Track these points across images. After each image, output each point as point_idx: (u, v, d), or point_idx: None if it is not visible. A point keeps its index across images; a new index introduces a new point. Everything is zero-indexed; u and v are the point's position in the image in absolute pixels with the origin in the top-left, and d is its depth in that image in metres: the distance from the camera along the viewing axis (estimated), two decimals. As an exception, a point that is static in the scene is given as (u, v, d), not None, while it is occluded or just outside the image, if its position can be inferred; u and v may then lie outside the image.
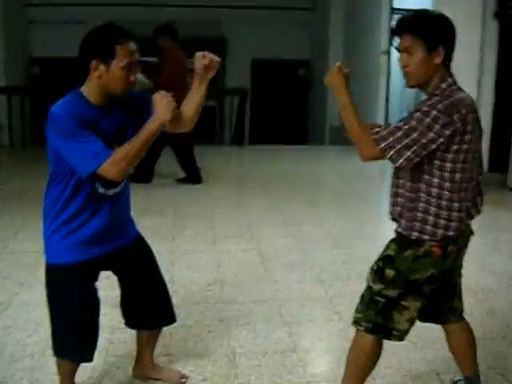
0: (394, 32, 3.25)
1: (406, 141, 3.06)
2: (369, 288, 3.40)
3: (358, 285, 5.56)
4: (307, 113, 19.49)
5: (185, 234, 7.17)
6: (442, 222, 3.17)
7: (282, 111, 18.62)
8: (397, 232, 3.35)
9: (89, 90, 3.28)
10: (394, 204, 3.35)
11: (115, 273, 3.72)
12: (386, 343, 4.47)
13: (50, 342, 4.37)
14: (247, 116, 15.43)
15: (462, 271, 5.85)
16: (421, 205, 3.20)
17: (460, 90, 3.23)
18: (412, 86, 3.27)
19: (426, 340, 4.56)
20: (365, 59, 14.93)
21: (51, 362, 4.17)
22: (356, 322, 3.44)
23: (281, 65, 18.40)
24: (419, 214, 3.21)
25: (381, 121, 14.16)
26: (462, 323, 3.69)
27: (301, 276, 5.87)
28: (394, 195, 3.35)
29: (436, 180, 3.15)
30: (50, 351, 4.25)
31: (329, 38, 16.65)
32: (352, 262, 6.31)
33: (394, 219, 3.39)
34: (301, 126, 18.94)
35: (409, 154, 3.07)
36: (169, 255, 6.25)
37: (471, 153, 3.16)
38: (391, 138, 3.10)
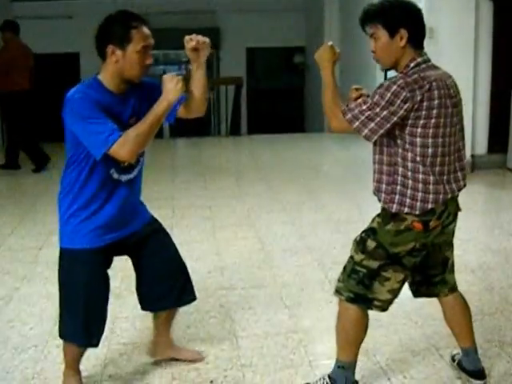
0: (360, 22, 3.60)
1: (369, 113, 3.28)
2: (351, 258, 3.56)
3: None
4: (304, 100, 19.58)
5: (183, 224, 7.30)
6: (419, 194, 3.33)
7: (278, 99, 18.68)
8: (381, 206, 3.53)
9: (105, 75, 3.42)
10: (375, 180, 3.57)
11: (132, 256, 3.85)
12: (385, 321, 4.64)
13: (53, 333, 4.57)
14: (243, 105, 15.50)
15: (461, 250, 6.04)
16: (398, 178, 3.39)
17: (433, 67, 3.44)
18: (386, 69, 3.55)
19: (425, 317, 4.72)
20: (361, 44, 15.00)
21: (55, 352, 4.34)
22: (337, 292, 3.59)
23: (276, 52, 18.48)
24: (397, 188, 3.39)
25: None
26: (455, 296, 3.82)
27: (300, 260, 6.01)
28: (374, 171, 3.56)
29: (409, 154, 3.32)
30: (54, 342, 4.44)
31: (324, 24, 16.70)
32: (351, 245, 6.44)
33: (375, 194, 3.58)
34: (298, 114, 19.01)
35: (372, 125, 3.28)
36: (168, 246, 6.37)
37: (443, 127, 3.31)
38: (357, 110, 3.34)
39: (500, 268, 5.70)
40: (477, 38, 9.48)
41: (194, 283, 5.42)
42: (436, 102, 3.28)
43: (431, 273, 3.69)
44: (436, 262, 3.67)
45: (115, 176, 3.52)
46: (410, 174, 3.34)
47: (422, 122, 3.26)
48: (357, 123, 3.33)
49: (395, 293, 3.53)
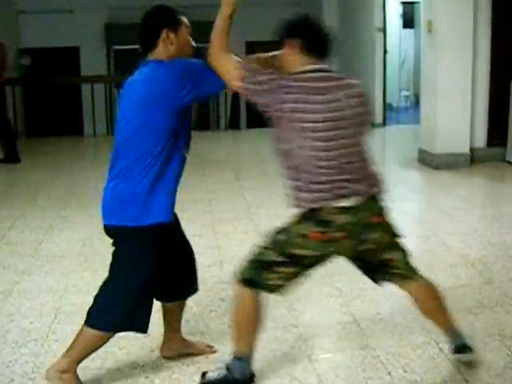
0: None
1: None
2: (259, 245, 3.65)
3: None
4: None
5: (182, 218, 7.19)
6: (304, 195, 3.42)
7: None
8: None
9: (161, 57, 3.64)
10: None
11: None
12: (385, 315, 4.64)
13: (52, 327, 4.56)
14: (243, 99, 15.45)
15: (461, 243, 6.03)
16: (291, 178, 3.49)
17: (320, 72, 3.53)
18: None
19: (425, 311, 4.71)
20: (360, 36, 14.99)
21: (55, 346, 4.34)
22: (238, 274, 3.65)
23: (276, 46, 18.40)
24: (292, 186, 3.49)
25: (379, 99, 14.23)
26: (413, 284, 3.84)
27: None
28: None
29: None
30: (54, 336, 4.44)
31: (323, 16, 16.68)
32: (351, 239, 6.44)
33: None
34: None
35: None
36: (168, 239, 6.37)
37: (314, 132, 3.37)
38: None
39: (500, 261, 5.68)
40: (475, 30, 9.47)
41: (193, 277, 5.45)
42: (300, 105, 3.37)
43: (375, 275, 3.85)
44: (374, 263, 3.75)
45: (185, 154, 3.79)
46: (295, 173, 3.45)
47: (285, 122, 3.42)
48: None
49: (282, 285, 3.61)
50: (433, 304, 3.88)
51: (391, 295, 5.00)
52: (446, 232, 6.59)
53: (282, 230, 3.56)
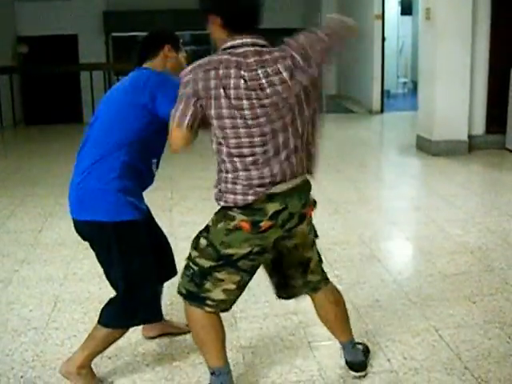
0: None
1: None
2: (189, 254, 3.41)
3: (357, 248, 5.75)
4: (302, 82, 19.49)
5: (182, 206, 7.29)
6: (230, 186, 3.21)
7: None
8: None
9: (158, 67, 3.75)
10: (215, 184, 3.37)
11: None
12: (384, 302, 4.64)
13: (52, 316, 4.56)
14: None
15: (460, 230, 6.03)
16: (222, 173, 3.29)
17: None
18: None
19: (424, 298, 4.71)
20: (359, 23, 14.91)
21: (55, 335, 4.34)
22: (178, 290, 3.47)
23: (274, 34, 18.37)
24: (221, 183, 3.28)
25: (377, 86, 14.22)
26: (322, 293, 3.66)
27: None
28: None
29: (215, 147, 3.28)
30: (53, 325, 4.45)
31: (321, 4, 16.66)
32: (350, 226, 6.45)
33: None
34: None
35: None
36: (167, 227, 6.32)
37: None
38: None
39: (499, 249, 5.68)
40: (474, 17, 9.44)
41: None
42: (230, 92, 3.05)
43: (288, 274, 3.55)
44: (293, 264, 3.52)
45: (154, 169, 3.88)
46: (223, 167, 3.28)
47: (210, 112, 3.13)
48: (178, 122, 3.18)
49: (233, 293, 3.38)
50: (339, 311, 3.69)
51: (390, 282, 5.02)
52: (445, 219, 6.58)
53: (201, 233, 3.38)
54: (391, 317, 4.45)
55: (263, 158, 3.13)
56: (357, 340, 3.84)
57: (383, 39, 14.23)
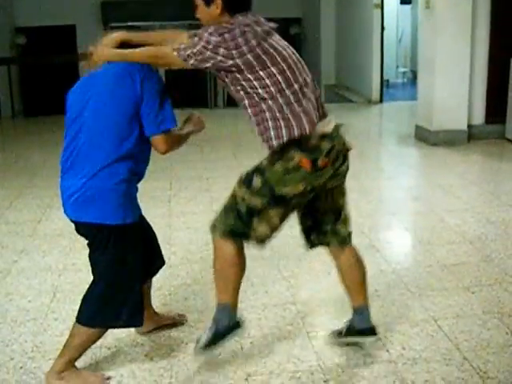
0: None
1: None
2: (232, 197, 3.60)
3: (356, 239, 5.69)
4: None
5: (181, 196, 7.29)
6: (282, 122, 3.36)
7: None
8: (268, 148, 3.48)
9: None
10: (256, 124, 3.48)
11: None
12: (383, 292, 4.65)
13: (51, 307, 4.57)
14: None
15: (460, 220, 6.04)
16: (266, 115, 3.39)
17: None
18: None
19: (423, 288, 4.72)
20: (358, 14, 14.94)
21: (54, 325, 4.34)
22: (213, 227, 3.65)
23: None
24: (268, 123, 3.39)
25: (377, 76, 14.20)
26: (348, 250, 3.86)
27: (297, 232, 5.97)
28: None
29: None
30: (52, 315, 4.45)
31: (320, -5, 16.64)
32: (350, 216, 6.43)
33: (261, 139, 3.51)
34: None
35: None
36: (166, 218, 6.37)
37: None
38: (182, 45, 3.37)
39: (498, 239, 5.68)
40: (474, 6, 9.41)
41: (191, 255, 5.46)
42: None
43: (322, 219, 3.75)
44: (328, 209, 3.73)
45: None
46: (271, 110, 3.38)
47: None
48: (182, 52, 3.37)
49: (276, 228, 3.58)
50: (358, 275, 3.85)
51: (389, 273, 5.03)
52: (444, 209, 6.59)
53: (254, 174, 3.52)
54: (390, 307, 4.46)
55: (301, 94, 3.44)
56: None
57: (382, 28, 14.18)
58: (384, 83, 14.93)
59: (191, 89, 14.22)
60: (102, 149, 3.42)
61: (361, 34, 14.74)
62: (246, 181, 3.53)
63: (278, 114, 3.35)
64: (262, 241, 3.61)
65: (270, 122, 3.37)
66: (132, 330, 4.21)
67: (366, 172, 8.41)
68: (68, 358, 3.64)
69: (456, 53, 9.43)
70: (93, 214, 3.46)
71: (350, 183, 7.45)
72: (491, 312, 4.33)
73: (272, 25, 3.60)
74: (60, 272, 5.24)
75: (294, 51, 3.60)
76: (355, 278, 3.84)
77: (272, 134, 3.37)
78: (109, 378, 3.73)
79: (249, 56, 3.29)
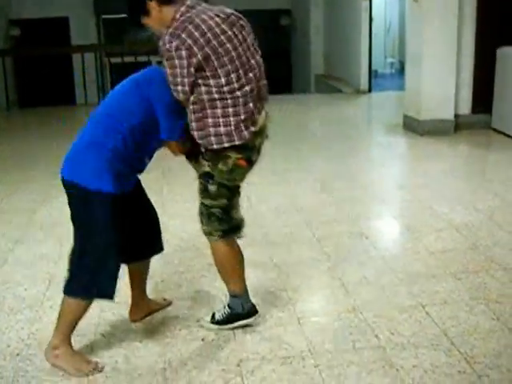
0: None
1: (177, 79, 3.43)
2: (202, 205, 3.81)
3: (345, 226, 5.76)
4: (291, 62, 19.46)
5: (174, 185, 7.28)
6: (222, 129, 3.54)
7: (265, 61, 18.56)
8: (206, 149, 3.64)
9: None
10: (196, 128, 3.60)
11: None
12: (372, 278, 4.67)
13: (47, 295, 4.57)
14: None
15: (447, 208, 6.05)
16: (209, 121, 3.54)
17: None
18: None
19: (411, 274, 4.74)
20: (346, 6, 14.91)
21: (49, 313, 4.33)
22: (208, 234, 3.86)
23: (262, 15, 18.34)
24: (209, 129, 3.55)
25: (365, 66, 14.19)
26: None
27: (289, 220, 6.00)
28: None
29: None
30: (48, 303, 4.44)
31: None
32: (338, 204, 6.44)
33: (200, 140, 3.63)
34: (285, 76, 18.91)
35: (186, 87, 3.44)
36: (159, 206, 6.30)
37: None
38: (172, 89, 3.48)
39: (485, 227, 5.69)
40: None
41: (184, 242, 5.46)
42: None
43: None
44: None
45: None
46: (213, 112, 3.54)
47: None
48: (177, 94, 3.48)
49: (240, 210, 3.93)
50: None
51: (377, 259, 5.04)
52: (432, 197, 6.59)
53: (206, 182, 3.70)
54: (379, 293, 4.47)
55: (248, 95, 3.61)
56: (344, 316, 3.89)
57: (371, 19, 14.17)
58: (372, 73, 14.92)
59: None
60: (96, 126, 3.63)
61: (349, 25, 14.71)
62: (203, 191, 3.75)
63: (221, 120, 3.53)
64: (243, 226, 3.93)
65: (211, 129, 3.54)
66: (126, 316, 4.22)
67: (355, 160, 8.42)
68: (60, 333, 3.69)
69: (443, 44, 9.41)
70: (67, 171, 3.64)
71: (339, 171, 7.50)
72: (478, 298, 4.34)
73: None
74: (55, 260, 5.23)
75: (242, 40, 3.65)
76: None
77: (213, 140, 3.55)
78: (102, 367, 3.71)
79: (207, 49, 3.43)
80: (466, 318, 4.07)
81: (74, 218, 3.71)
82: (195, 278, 4.81)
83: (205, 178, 3.70)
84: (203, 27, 3.42)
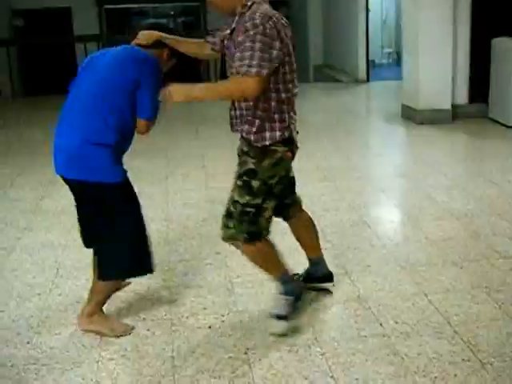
0: None
1: (264, 55, 3.37)
2: (235, 203, 3.67)
3: (347, 215, 5.73)
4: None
5: (177, 173, 7.25)
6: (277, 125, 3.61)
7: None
8: (250, 146, 3.64)
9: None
10: (243, 122, 3.68)
11: None
12: (375, 267, 4.64)
13: (55, 282, 4.54)
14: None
15: (446, 197, 6.04)
16: (261, 114, 3.59)
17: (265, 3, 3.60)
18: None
19: (413, 263, 4.71)
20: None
21: (58, 300, 4.32)
22: (232, 238, 3.76)
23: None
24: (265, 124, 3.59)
25: (363, 56, 14.14)
26: (303, 212, 4.25)
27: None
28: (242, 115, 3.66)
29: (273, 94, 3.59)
30: (57, 291, 4.42)
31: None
32: (340, 193, 6.42)
33: (245, 136, 3.70)
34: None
35: (268, 65, 3.39)
36: (163, 195, 6.33)
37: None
38: (254, 62, 3.34)
39: (484, 215, 5.66)
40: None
41: (189, 230, 5.50)
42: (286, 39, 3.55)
43: (284, 194, 3.96)
44: (287, 185, 4.00)
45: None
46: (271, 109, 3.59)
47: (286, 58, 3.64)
48: (262, 70, 3.37)
49: (271, 219, 3.79)
50: (315, 230, 4.29)
51: (380, 248, 5.01)
52: (431, 186, 6.56)
53: (250, 178, 3.64)
54: (382, 282, 4.44)
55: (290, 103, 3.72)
56: (349, 304, 3.86)
57: (367, 10, 14.13)
58: (370, 64, 14.86)
59: (185, 71, 14.17)
60: (91, 112, 3.63)
61: (347, 16, 14.64)
62: (243, 188, 3.64)
63: (276, 116, 3.60)
64: (267, 234, 3.79)
65: (266, 125, 3.59)
66: (134, 303, 4.21)
67: (355, 149, 8.39)
68: (96, 303, 3.88)
69: (439, 34, 9.37)
70: (73, 171, 3.70)
71: (339, 161, 7.47)
72: (479, 286, 4.32)
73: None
74: (62, 248, 5.21)
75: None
76: (313, 232, 4.26)
77: (267, 135, 3.59)
78: (133, 328, 3.92)
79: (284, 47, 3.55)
80: (469, 306, 4.05)
81: (93, 213, 3.77)
82: (201, 266, 4.78)
83: (248, 175, 3.63)
84: (280, 27, 3.49)
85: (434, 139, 8.71)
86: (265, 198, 3.65)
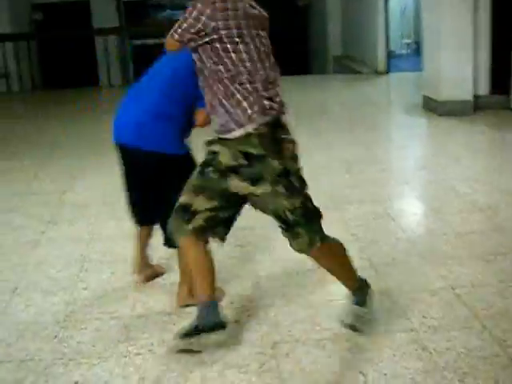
0: None
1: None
2: (298, 208, 3.47)
3: (371, 207, 5.69)
4: (308, 44, 19.32)
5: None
6: None
7: (282, 43, 18.42)
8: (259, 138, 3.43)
9: None
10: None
11: None
12: (400, 260, 4.60)
13: (80, 276, 4.54)
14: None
15: (470, 189, 5.98)
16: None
17: None
18: None
19: (438, 256, 4.67)
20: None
21: (83, 295, 4.32)
22: (309, 244, 3.55)
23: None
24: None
25: (382, 47, 14.08)
26: None
27: (315, 201, 5.91)
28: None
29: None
30: (82, 285, 4.42)
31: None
32: (362, 184, 6.39)
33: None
34: (302, 57, 18.77)
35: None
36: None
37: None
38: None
39: (509, 208, 5.60)
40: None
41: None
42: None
43: None
44: None
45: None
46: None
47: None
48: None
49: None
50: None
51: (404, 241, 4.98)
52: (454, 178, 6.51)
53: (288, 174, 3.48)
54: (408, 275, 4.40)
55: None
56: (375, 298, 3.86)
57: (386, 0, 14.06)
58: (389, 54, 14.78)
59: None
60: (166, 96, 3.86)
61: (366, 6, 14.58)
62: (290, 190, 3.42)
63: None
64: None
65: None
66: (161, 298, 4.20)
67: (377, 142, 8.35)
68: (188, 283, 3.99)
69: (460, 24, 9.30)
70: (142, 140, 3.90)
71: (361, 152, 7.43)
72: (506, 281, 4.26)
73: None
74: (87, 242, 5.21)
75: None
76: None
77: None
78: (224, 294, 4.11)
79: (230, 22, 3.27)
80: (496, 300, 3.99)
81: (157, 180, 3.99)
82: (225, 260, 4.73)
83: (283, 177, 3.40)
84: None
85: (456, 130, 8.65)
86: (305, 184, 3.54)
